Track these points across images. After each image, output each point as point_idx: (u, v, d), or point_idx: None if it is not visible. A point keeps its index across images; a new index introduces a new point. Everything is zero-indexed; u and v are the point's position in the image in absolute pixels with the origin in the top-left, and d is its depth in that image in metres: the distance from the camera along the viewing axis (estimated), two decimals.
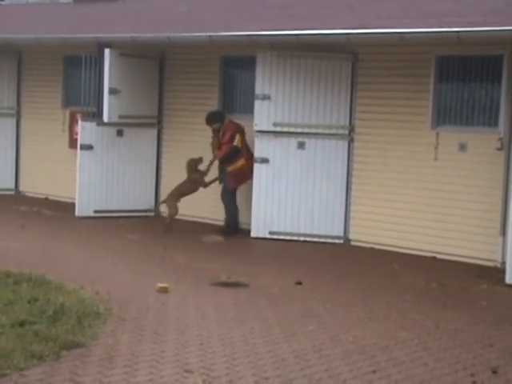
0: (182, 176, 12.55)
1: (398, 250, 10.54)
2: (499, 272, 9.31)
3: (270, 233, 11.12)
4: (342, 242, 11.08)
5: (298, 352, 6.13)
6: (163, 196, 12.80)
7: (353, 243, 11.05)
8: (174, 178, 12.69)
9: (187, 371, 5.58)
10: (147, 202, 12.81)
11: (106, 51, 11.91)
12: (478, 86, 10.18)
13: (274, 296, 7.95)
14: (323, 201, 11.09)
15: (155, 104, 12.79)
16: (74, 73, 13.79)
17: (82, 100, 12.82)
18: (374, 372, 5.75)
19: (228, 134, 11.13)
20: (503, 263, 9.46)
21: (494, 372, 5.85)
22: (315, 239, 11.06)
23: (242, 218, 11.48)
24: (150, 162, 12.85)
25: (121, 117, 12.23)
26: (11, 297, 6.99)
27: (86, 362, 5.65)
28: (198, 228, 11.73)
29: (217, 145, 11.28)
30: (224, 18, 11.91)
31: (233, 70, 12.37)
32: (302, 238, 11.11)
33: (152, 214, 12.80)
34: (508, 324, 7.29)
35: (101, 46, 12.16)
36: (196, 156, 11.52)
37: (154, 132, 12.85)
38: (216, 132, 11.31)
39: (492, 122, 10.00)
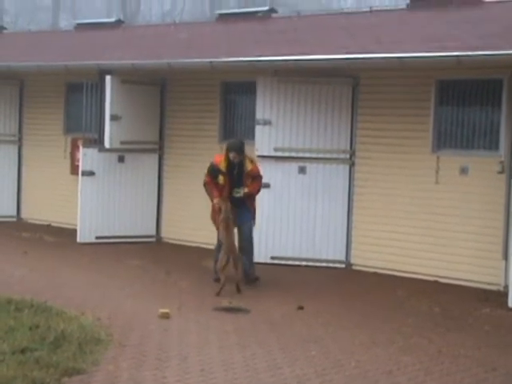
0: (183, 201, 12.58)
1: (400, 274, 10.50)
2: (502, 296, 9.27)
3: (272, 258, 11.10)
4: (343, 266, 11.05)
5: (301, 377, 6.09)
6: (165, 222, 12.83)
7: (355, 267, 11.03)
8: (175, 203, 12.73)
9: None
10: (149, 227, 12.81)
11: (107, 78, 11.98)
12: (478, 109, 10.21)
13: (275, 321, 7.92)
14: (325, 225, 11.07)
15: (156, 130, 12.84)
16: (75, 99, 13.85)
17: (83, 126, 12.85)
18: None
19: (258, 166, 9.80)
20: (506, 287, 9.42)
21: None
22: (317, 264, 11.04)
23: None
24: (151, 188, 12.86)
25: (122, 143, 12.27)
26: (12, 324, 6.98)
27: None
28: (201, 253, 11.69)
29: (235, 179, 9.57)
30: (224, 44, 11.99)
31: (233, 96, 12.42)
32: (303, 263, 11.08)
33: (154, 239, 12.80)
34: (511, 348, 7.25)
35: (102, 72, 12.22)
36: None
37: (155, 158, 12.87)
38: (233, 165, 9.57)
39: (493, 145, 10.01)
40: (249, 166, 9.61)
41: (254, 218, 9.86)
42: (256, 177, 9.69)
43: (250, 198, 9.72)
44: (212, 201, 9.64)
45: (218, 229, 9.57)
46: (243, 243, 9.69)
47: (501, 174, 9.70)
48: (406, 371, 6.37)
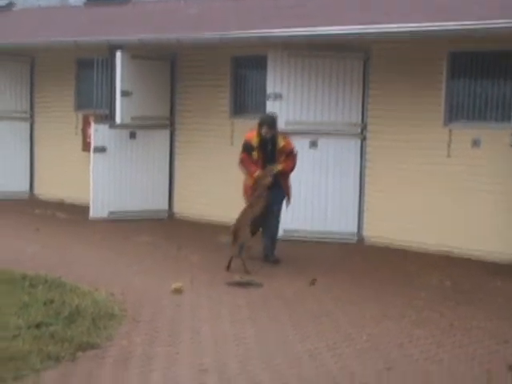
0: (195, 176, 12.59)
1: (411, 248, 10.51)
2: None
3: (284, 231, 11.10)
4: (355, 240, 11.06)
5: (312, 351, 6.13)
6: (176, 197, 12.85)
7: (366, 241, 11.03)
8: (186, 179, 12.75)
9: (202, 371, 5.59)
10: (161, 203, 12.84)
11: (118, 54, 11.95)
12: (490, 81, 10.14)
13: (287, 296, 7.95)
14: (336, 199, 11.07)
15: (167, 105, 12.83)
16: (86, 76, 13.85)
17: (94, 103, 12.86)
18: (389, 369, 5.75)
19: (291, 142, 9.49)
20: None
21: (511, 368, 5.82)
22: (329, 238, 11.05)
23: None
24: (162, 164, 12.87)
25: (133, 119, 12.28)
26: (27, 299, 7.05)
27: (102, 363, 5.69)
28: (213, 228, 11.73)
29: (268, 155, 9.33)
30: (234, 19, 11.92)
31: (244, 70, 12.38)
32: (315, 237, 11.10)
33: (166, 215, 12.84)
34: None
35: (112, 48, 12.20)
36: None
37: (166, 133, 12.87)
38: (265, 141, 9.31)
39: (505, 117, 9.95)
40: (281, 143, 9.33)
41: (289, 197, 9.54)
42: (289, 154, 9.38)
43: (284, 177, 9.40)
44: (251, 177, 9.29)
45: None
46: (269, 224, 9.46)
47: None
48: (418, 344, 6.40)
